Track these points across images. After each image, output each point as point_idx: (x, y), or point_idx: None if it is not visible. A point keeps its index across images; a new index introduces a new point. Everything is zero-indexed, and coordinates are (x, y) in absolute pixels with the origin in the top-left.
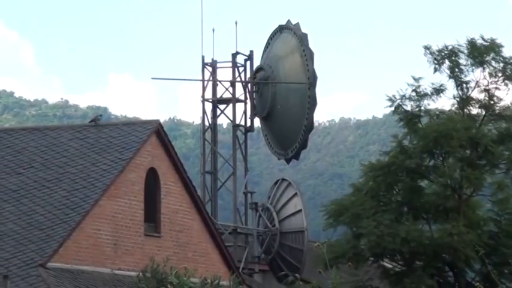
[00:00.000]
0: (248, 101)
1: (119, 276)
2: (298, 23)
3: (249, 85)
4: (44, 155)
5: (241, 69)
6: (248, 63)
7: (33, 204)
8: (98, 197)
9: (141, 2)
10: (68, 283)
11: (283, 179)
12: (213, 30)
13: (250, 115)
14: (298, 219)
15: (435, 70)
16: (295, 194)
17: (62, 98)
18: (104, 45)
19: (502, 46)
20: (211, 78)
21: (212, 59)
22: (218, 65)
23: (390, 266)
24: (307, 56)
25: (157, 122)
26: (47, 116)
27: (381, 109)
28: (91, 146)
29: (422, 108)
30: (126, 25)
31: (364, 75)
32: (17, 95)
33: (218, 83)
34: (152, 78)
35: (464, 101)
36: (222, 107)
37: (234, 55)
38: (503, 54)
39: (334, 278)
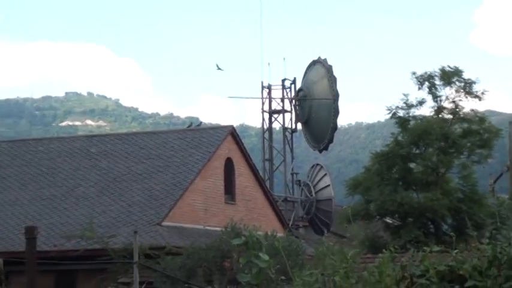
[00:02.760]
0: (293, 111)
1: (209, 231)
2: (326, 58)
3: (294, 101)
4: (158, 150)
5: (288, 90)
6: (292, 86)
7: (152, 183)
8: (193, 178)
9: (217, 46)
10: (176, 236)
11: (317, 164)
12: (269, 64)
13: (295, 121)
14: (328, 191)
15: (419, 88)
16: (326, 174)
17: (169, 111)
18: (197, 76)
19: (462, 71)
20: (268, 96)
21: (268, 83)
22: (272, 87)
23: (390, 222)
24: (332, 80)
25: (231, 126)
26: (159, 123)
27: (384, 115)
28: (189, 144)
29: (410, 114)
30: (212, 61)
31: (372, 92)
32: (140, 109)
33: (272, 99)
34: (229, 97)
35: (439, 109)
36: (275, 116)
37: (283, 80)
38: (463, 76)
39: (355, 231)
